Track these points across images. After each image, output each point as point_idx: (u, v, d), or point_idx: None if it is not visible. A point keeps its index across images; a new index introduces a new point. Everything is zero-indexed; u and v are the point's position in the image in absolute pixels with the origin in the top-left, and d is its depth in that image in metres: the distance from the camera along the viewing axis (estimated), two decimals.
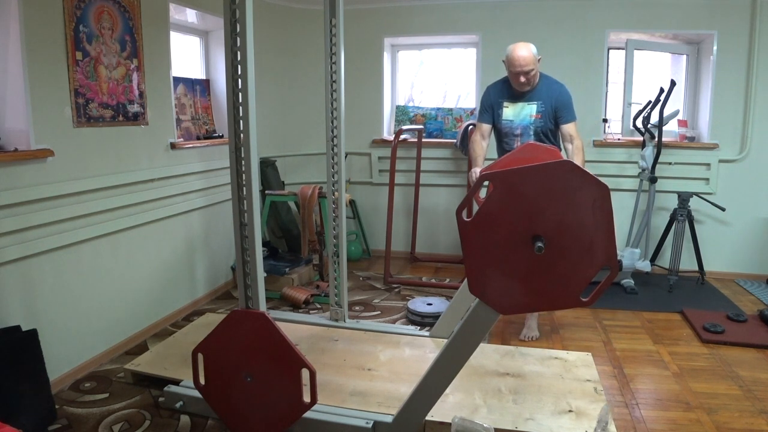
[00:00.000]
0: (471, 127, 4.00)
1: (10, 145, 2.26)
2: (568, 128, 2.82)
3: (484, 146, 2.96)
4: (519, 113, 2.88)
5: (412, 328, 2.93)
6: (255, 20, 1.79)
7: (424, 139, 4.32)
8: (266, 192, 3.87)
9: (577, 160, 2.70)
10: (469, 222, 1.62)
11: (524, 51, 2.72)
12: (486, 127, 2.98)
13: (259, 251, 1.91)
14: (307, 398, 1.82)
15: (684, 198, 3.69)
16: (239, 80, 1.80)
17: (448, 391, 1.90)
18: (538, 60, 2.77)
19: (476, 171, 2.80)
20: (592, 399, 2.18)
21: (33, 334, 2.12)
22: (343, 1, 2.68)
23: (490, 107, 2.96)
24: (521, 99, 2.86)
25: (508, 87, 2.89)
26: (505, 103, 2.91)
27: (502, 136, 2.97)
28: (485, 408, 2.11)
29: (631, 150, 4.05)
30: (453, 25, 4.23)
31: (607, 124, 4.19)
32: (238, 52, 1.78)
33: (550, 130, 2.89)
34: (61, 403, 2.27)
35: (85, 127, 2.54)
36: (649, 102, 3.76)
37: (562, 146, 2.90)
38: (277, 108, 4.40)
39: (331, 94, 2.75)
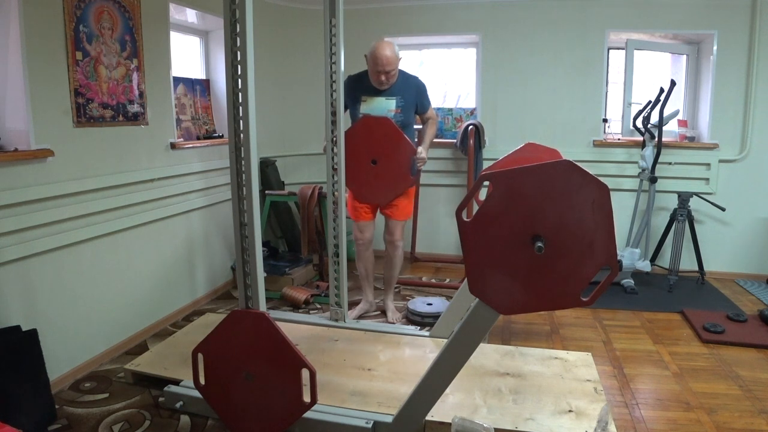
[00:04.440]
0: (471, 127, 4.01)
1: (10, 145, 2.26)
2: (428, 114, 3.09)
3: None
4: (376, 108, 2.95)
5: (412, 328, 2.93)
6: (255, 20, 1.79)
7: None
8: (266, 192, 3.87)
9: (432, 127, 3.10)
10: (469, 222, 1.62)
11: (388, 51, 2.80)
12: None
13: (259, 251, 1.91)
14: (307, 398, 1.82)
15: (684, 198, 3.69)
16: (239, 80, 1.80)
17: (448, 391, 1.90)
18: (399, 59, 2.89)
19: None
20: (592, 399, 2.18)
21: (33, 334, 2.12)
22: (343, 1, 2.69)
23: (350, 101, 3.01)
24: (380, 94, 2.94)
25: (367, 81, 2.96)
26: (363, 97, 2.98)
27: None
28: (485, 408, 2.11)
29: (631, 150, 4.05)
30: (453, 25, 4.23)
31: (607, 124, 4.19)
32: (238, 52, 1.78)
33: (410, 122, 3.01)
34: (61, 403, 2.27)
35: (85, 127, 2.54)
36: (649, 102, 3.76)
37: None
38: (277, 108, 4.40)
39: (331, 94, 2.75)
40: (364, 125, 2.91)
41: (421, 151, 2.95)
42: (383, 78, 2.86)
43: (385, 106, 2.94)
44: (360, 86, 2.97)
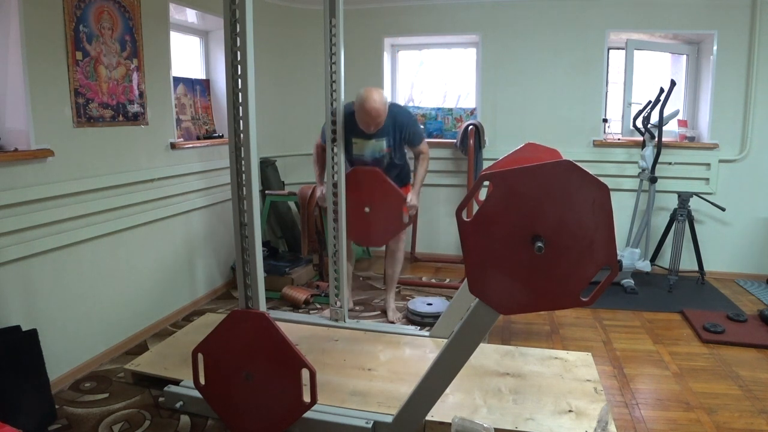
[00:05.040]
0: (471, 127, 4.01)
1: (10, 145, 2.26)
2: (419, 149, 3.06)
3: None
4: (368, 148, 2.97)
5: (412, 328, 2.93)
6: (255, 20, 1.79)
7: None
8: (266, 192, 3.87)
9: (423, 166, 3.05)
10: (469, 222, 1.62)
11: (377, 103, 2.76)
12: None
13: (259, 251, 1.91)
14: (307, 398, 1.82)
15: (684, 198, 3.69)
16: (239, 80, 1.80)
17: (448, 391, 1.90)
18: (387, 104, 2.85)
19: (322, 189, 3.05)
20: (592, 399, 2.18)
21: (33, 334, 2.12)
22: (343, 1, 2.68)
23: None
24: (370, 137, 2.94)
25: (356, 124, 2.90)
26: (354, 140, 2.97)
27: (354, 161, 3.06)
28: (485, 408, 2.11)
29: (631, 150, 4.05)
30: (453, 25, 4.23)
31: (607, 124, 4.19)
32: (238, 52, 1.78)
33: (402, 155, 3.10)
34: (61, 403, 2.27)
35: (85, 127, 2.54)
36: (649, 102, 3.76)
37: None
38: (277, 108, 4.40)
39: (331, 94, 2.75)
40: (355, 176, 2.95)
41: (411, 198, 2.98)
42: (372, 128, 2.87)
43: (376, 147, 2.96)
44: (349, 127, 2.91)
